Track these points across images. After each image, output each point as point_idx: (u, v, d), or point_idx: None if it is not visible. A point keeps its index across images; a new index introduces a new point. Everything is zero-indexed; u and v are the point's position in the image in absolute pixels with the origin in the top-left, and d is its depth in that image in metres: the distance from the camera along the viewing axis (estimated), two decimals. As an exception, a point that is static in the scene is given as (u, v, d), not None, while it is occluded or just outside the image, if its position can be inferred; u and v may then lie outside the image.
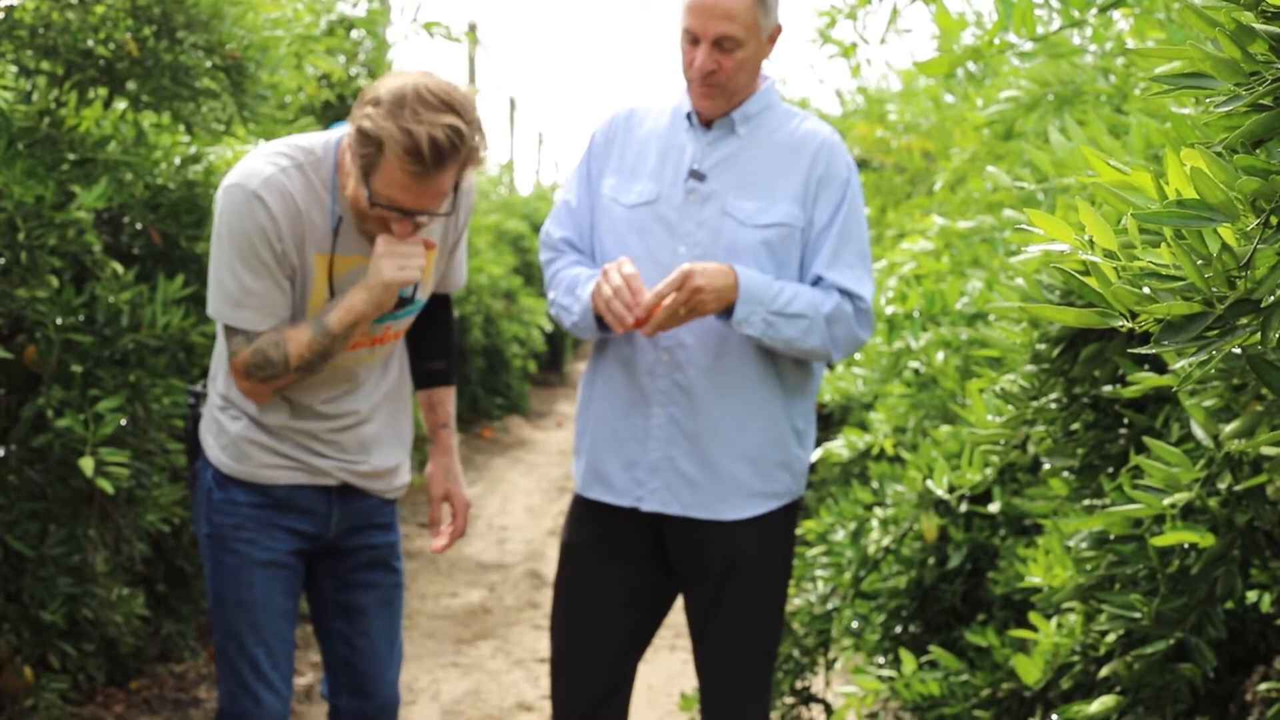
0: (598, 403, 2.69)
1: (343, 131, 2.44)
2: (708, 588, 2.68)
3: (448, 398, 2.80)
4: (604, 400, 2.67)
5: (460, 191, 2.52)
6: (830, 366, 3.89)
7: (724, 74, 2.55)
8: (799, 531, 3.18)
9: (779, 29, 2.60)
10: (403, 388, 2.68)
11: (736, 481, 2.62)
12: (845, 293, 2.60)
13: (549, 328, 10.74)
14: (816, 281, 2.61)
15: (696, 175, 2.61)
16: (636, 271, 2.52)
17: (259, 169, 2.38)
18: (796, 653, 3.32)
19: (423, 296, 2.58)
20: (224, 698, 2.54)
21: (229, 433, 2.52)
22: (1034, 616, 2.47)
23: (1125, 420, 2.36)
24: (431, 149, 2.23)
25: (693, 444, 2.60)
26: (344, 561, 2.63)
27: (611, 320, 2.51)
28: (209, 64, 3.31)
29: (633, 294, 2.49)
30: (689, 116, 2.65)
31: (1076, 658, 2.42)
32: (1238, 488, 2.00)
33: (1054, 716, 2.56)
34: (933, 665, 3.04)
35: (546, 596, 5.60)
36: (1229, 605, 2.23)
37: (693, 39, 2.55)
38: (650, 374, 2.61)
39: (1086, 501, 2.39)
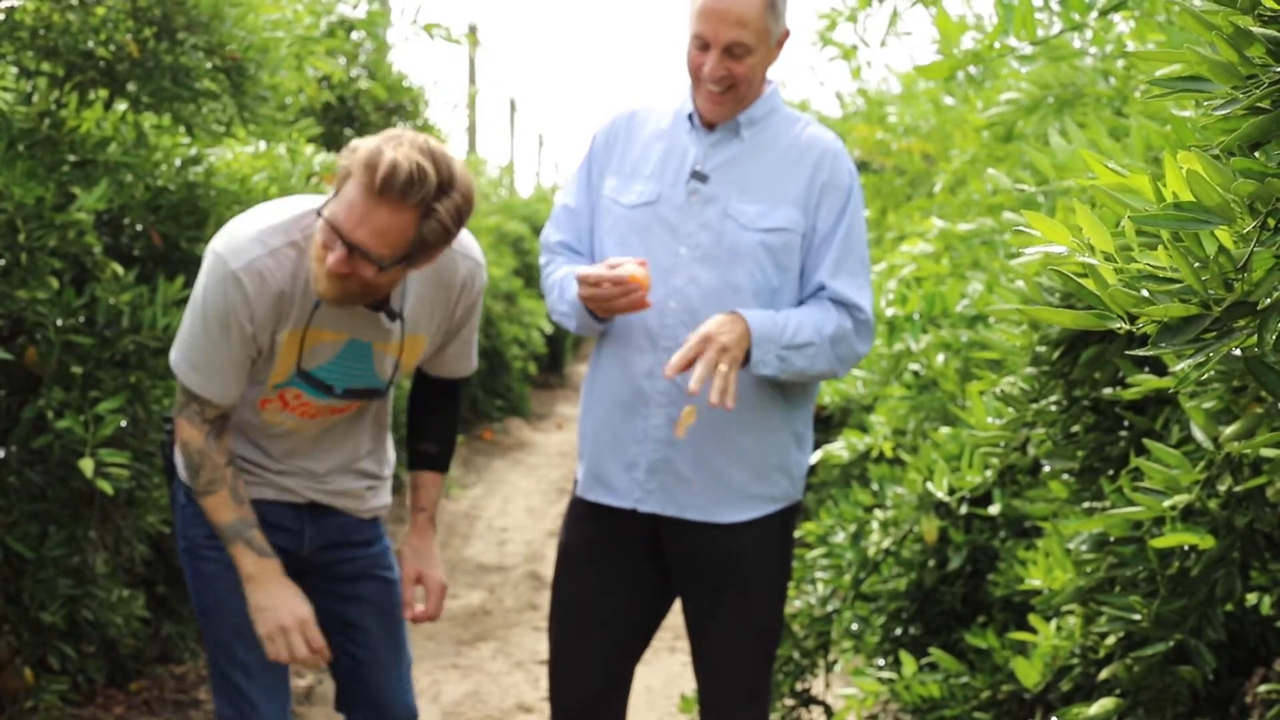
0: (598, 405, 2.69)
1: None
2: (705, 590, 2.68)
3: (436, 483, 2.69)
4: (604, 402, 2.67)
5: (465, 286, 2.47)
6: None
7: (733, 79, 2.54)
8: (799, 534, 3.18)
9: (787, 33, 2.59)
10: (380, 436, 2.62)
11: (734, 484, 2.62)
12: (846, 304, 2.59)
13: (549, 329, 10.75)
14: (819, 289, 2.60)
15: (699, 176, 2.61)
16: (597, 269, 2.50)
17: (247, 248, 2.30)
18: (796, 655, 3.32)
19: (384, 379, 2.49)
20: (221, 707, 2.51)
21: None
22: (1034, 619, 2.47)
23: (1125, 422, 2.36)
24: (388, 170, 2.12)
25: (691, 446, 2.60)
26: (329, 578, 2.59)
27: (629, 309, 2.51)
28: (209, 65, 3.31)
29: (618, 283, 2.48)
30: (691, 118, 2.65)
31: (1076, 660, 2.42)
32: (1238, 490, 2.00)
33: (1054, 719, 2.56)
34: (933, 667, 3.04)
35: (546, 598, 5.59)
36: (1229, 607, 2.23)
37: (702, 44, 2.54)
38: (649, 376, 2.61)
39: (1086, 504, 2.39)
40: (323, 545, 2.56)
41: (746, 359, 2.51)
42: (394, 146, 2.14)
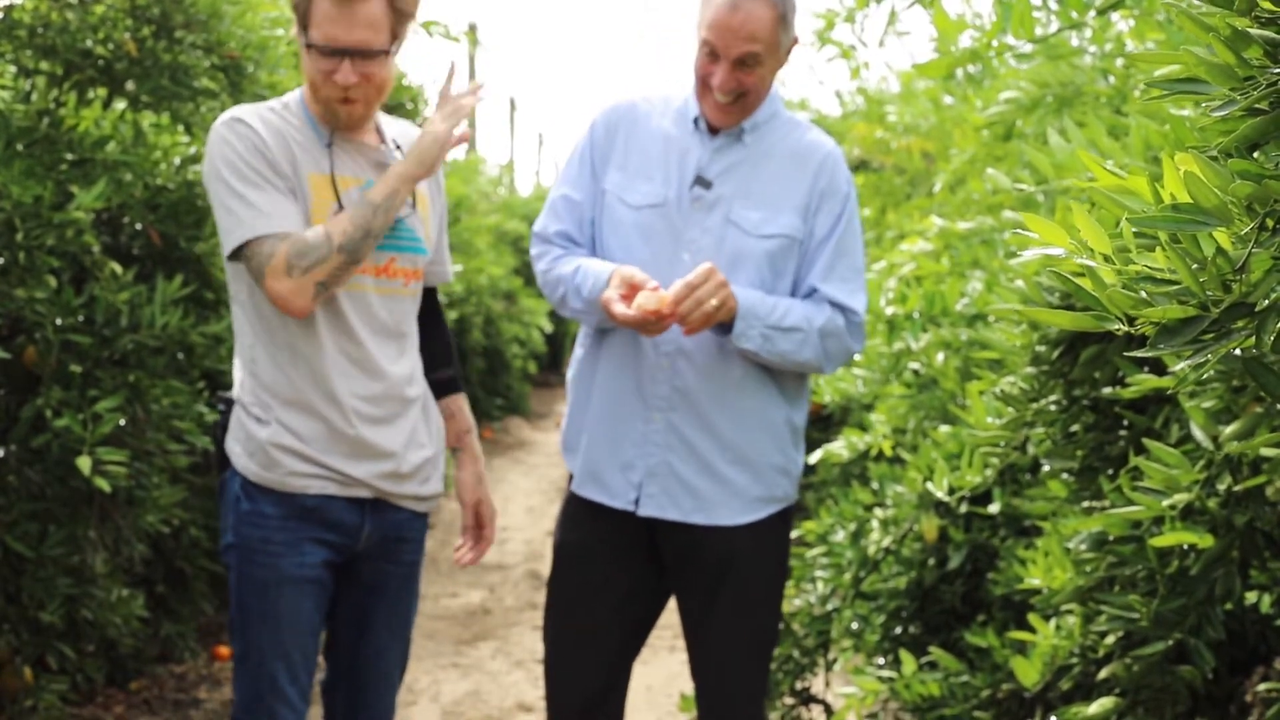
0: (595, 404, 2.67)
1: (302, 87, 2.51)
2: (702, 590, 2.67)
3: (464, 404, 2.74)
4: (601, 402, 2.66)
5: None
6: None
7: (742, 89, 2.53)
8: (798, 532, 3.18)
9: (796, 41, 2.58)
10: (426, 389, 2.63)
11: (736, 487, 2.61)
12: (838, 306, 2.59)
13: (549, 328, 10.76)
14: (811, 293, 2.60)
15: (703, 182, 2.60)
16: (618, 305, 2.48)
17: (234, 110, 2.44)
18: (796, 653, 3.32)
19: (423, 236, 2.54)
20: (238, 707, 2.49)
21: (257, 439, 2.43)
22: (1033, 618, 2.47)
23: (1125, 422, 2.36)
24: None
25: (692, 450, 2.60)
26: (368, 579, 2.57)
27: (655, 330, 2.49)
28: (208, 64, 3.31)
29: (645, 319, 2.47)
30: (696, 120, 2.64)
31: (1075, 659, 2.42)
32: (1237, 489, 2.00)
33: (1053, 718, 2.56)
34: (933, 666, 3.04)
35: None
36: (1228, 606, 2.23)
37: (712, 54, 2.52)
38: (650, 379, 2.60)
39: (1086, 503, 2.39)
40: (378, 541, 2.54)
41: (727, 329, 2.51)
42: None
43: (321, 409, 2.43)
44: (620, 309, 2.46)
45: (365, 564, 2.55)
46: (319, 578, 2.47)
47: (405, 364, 2.54)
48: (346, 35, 2.33)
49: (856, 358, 3.74)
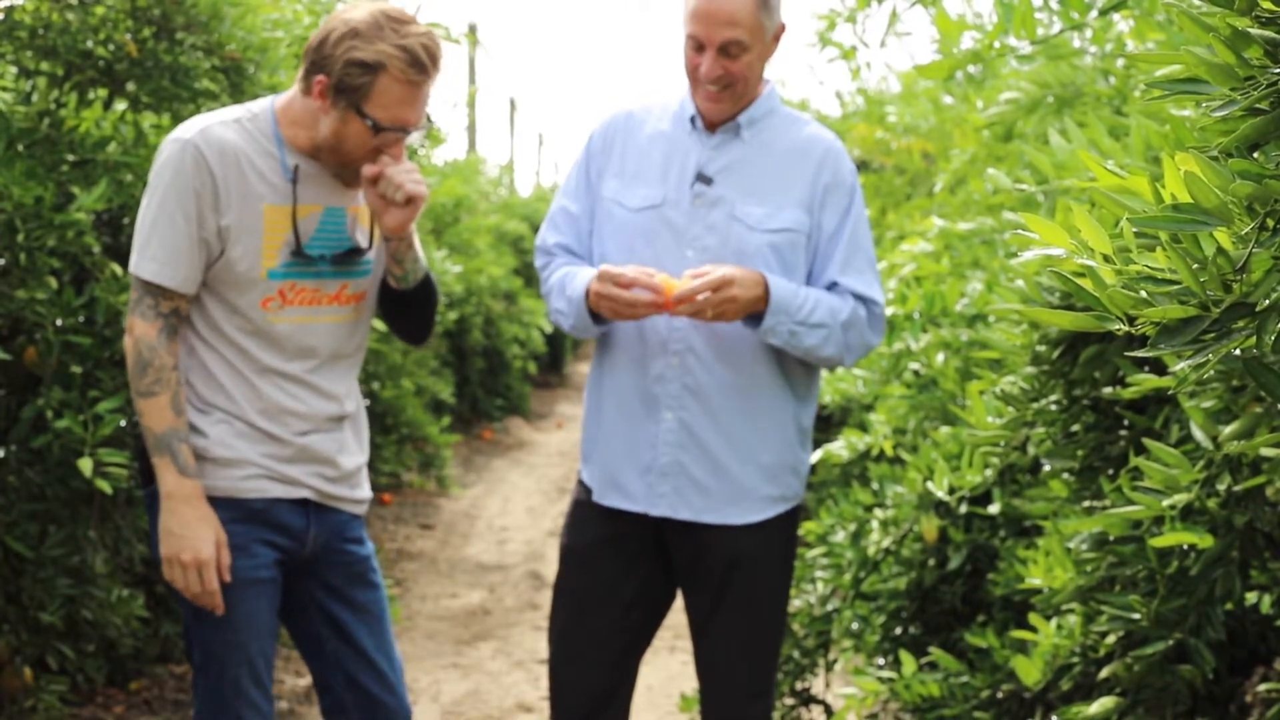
0: (608, 409, 2.67)
1: (275, 97, 2.50)
2: (710, 588, 2.67)
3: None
4: (614, 406, 2.66)
5: None
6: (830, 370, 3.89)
7: (730, 78, 2.55)
8: (799, 533, 3.18)
9: (782, 27, 2.59)
10: (359, 402, 2.65)
11: (747, 486, 2.62)
12: (860, 298, 2.60)
13: (549, 329, 10.75)
14: (831, 287, 2.61)
15: (704, 179, 2.60)
16: (631, 274, 2.50)
17: (196, 121, 2.42)
18: (796, 654, 3.32)
19: (373, 259, 2.55)
20: (204, 717, 2.47)
21: (195, 447, 2.42)
22: (1034, 618, 2.47)
23: (1125, 422, 2.36)
24: (428, 56, 2.37)
25: (703, 449, 2.60)
26: (326, 580, 2.57)
27: (642, 316, 2.51)
28: (208, 65, 3.31)
29: (645, 288, 2.49)
30: (692, 120, 2.65)
31: (1076, 659, 2.42)
32: (1237, 489, 2.00)
33: (1054, 718, 2.56)
34: (933, 666, 3.04)
35: (547, 597, 5.59)
36: (1228, 606, 2.23)
37: (697, 45, 2.54)
38: (660, 379, 2.60)
39: (1086, 503, 2.39)
40: (323, 545, 2.55)
41: (756, 320, 2.52)
42: (400, 36, 2.35)
43: (258, 422, 2.46)
44: (619, 272, 2.49)
45: (320, 572, 2.56)
46: (272, 577, 2.49)
47: (345, 382, 2.57)
48: (415, 117, 2.41)
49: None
